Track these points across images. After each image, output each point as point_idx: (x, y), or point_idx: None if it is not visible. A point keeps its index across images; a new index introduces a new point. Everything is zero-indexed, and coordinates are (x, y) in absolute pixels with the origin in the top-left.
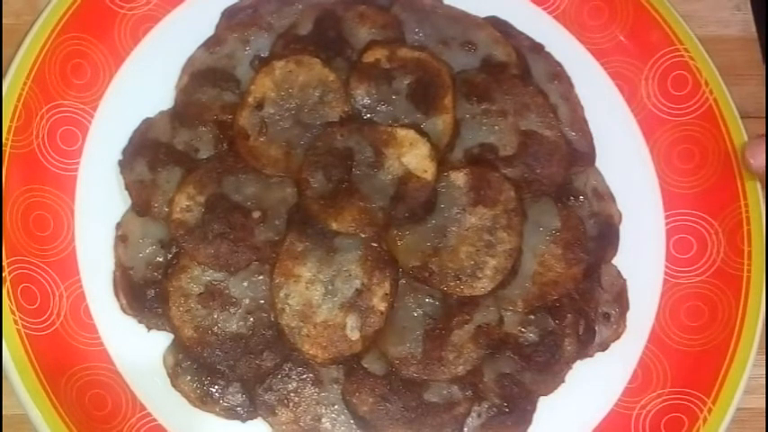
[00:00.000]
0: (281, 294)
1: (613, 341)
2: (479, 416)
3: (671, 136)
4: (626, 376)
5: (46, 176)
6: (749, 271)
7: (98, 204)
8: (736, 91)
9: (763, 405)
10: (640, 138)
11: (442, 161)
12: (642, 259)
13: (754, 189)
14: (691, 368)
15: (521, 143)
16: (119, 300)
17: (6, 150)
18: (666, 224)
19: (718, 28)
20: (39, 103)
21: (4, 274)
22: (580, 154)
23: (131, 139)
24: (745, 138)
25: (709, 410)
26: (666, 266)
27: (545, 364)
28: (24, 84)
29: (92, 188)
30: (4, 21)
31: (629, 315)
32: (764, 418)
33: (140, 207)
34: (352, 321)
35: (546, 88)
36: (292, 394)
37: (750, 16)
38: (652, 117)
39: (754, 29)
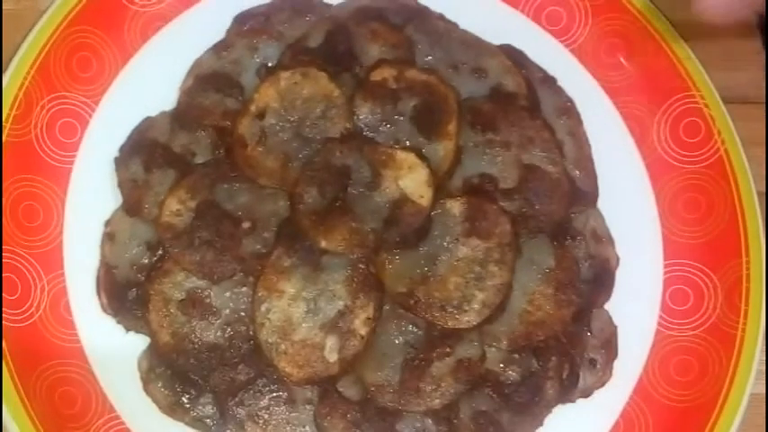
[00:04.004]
0: (263, 308)
1: (597, 388)
2: None
3: (678, 183)
4: (607, 426)
5: (40, 167)
6: (744, 330)
7: (90, 200)
8: (737, 77)
9: None
10: (647, 182)
11: (440, 188)
12: (636, 307)
13: (758, 246)
14: (675, 424)
15: (522, 177)
16: (100, 298)
17: (3, 138)
18: (665, 273)
19: None
20: (40, 94)
21: None
22: (582, 193)
23: (130, 137)
24: (754, 191)
25: None
26: (660, 317)
27: (524, 405)
28: (27, 73)
29: (85, 183)
30: (3, 6)
31: (616, 363)
32: None
33: (131, 206)
34: (331, 342)
35: (554, 123)
36: (263, 411)
37: None
38: (661, 162)
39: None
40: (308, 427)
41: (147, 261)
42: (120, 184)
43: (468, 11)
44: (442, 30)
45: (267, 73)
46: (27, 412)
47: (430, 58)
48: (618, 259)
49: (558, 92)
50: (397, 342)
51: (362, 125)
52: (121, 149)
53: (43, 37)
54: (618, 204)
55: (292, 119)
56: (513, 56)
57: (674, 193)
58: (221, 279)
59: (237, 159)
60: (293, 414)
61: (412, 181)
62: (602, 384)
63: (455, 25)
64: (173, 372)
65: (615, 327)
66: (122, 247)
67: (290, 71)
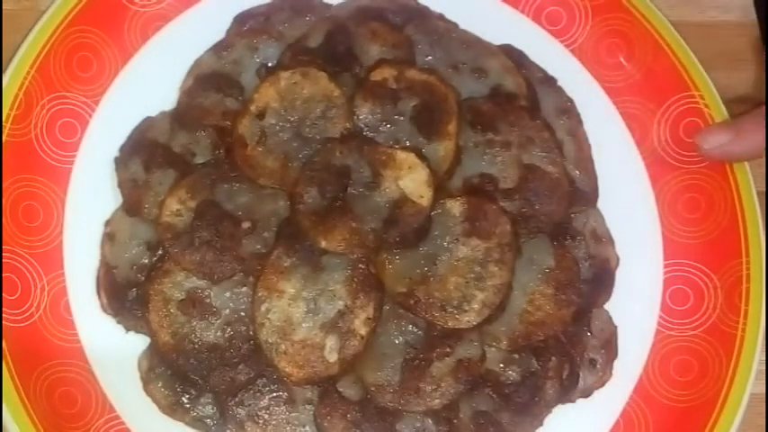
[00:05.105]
0: (263, 308)
1: (597, 388)
2: None
3: (678, 183)
4: (607, 426)
5: (40, 167)
6: (744, 330)
7: (90, 200)
8: (736, 76)
9: None
10: (647, 182)
11: (440, 188)
12: (636, 307)
13: (758, 246)
14: (675, 424)
15: (522, 177)
16: (100, 298)
17: (3, 138)
18: (665, 273)
19: (719, 13)
20: (41, 93)
21: None
22: (582, 193)
23: (130, 137)
24: (754, 191)
25: None
26: (660, 317)
27: (524, 405)
28: (27, 73)
29: (85, 183)
30: (3, 6)
31: (616, 363)
32: None
33: (131, 206)
34: (331, 342)
35: (554, 123)
36: (263, 411)
37: (750, 1)
38: (661, 162)
39: (754, 14)
40: (307, 427)
41: (147, 261)
42: (120, 184)
43: (468, 11)
44: (442, 30)
45: (267, 73)
46: (27, 412)
47: (430, 58)
48: (618, 259)
49: (558, 92)
50: (397, 342)
51: (362, 125)
52: (121, 149)
53: (43, 37)
54: (618, 204)
55: (292, 119)
56: (513, 56)
57: (674, 193)
58: (221, 279)
59: (237, 159)
60: (293, 414)
61: (412, 181)
62: (602, 384)
63: (455, 25)
64: (173, 372)
65: (615, 327)
66: (122, 247)
67: (290, 71)
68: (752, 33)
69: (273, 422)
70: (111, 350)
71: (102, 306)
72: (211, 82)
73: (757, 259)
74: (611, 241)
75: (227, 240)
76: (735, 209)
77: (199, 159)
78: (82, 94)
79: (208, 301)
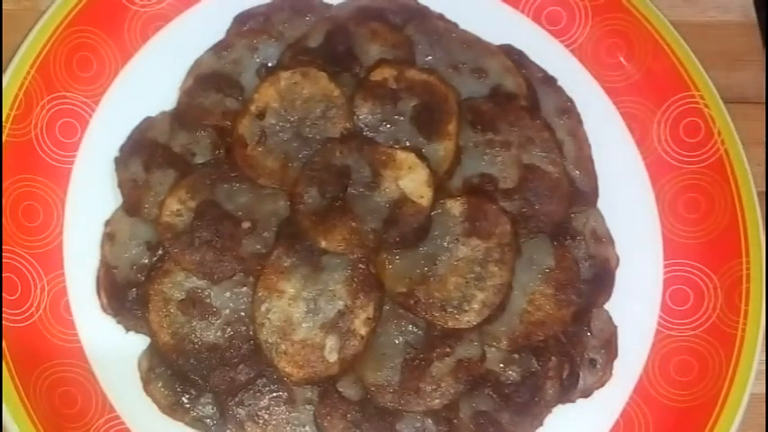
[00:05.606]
0: (263, 308)
1: (597, 388)
2: None
3: (678, 183)
4: (607, 426)
5: (40, 167)
6: (744, 330)
7: (90, 200)
8: (737, 76)
9: None
10: (647, 182)
11: (440, 188)
12: (636, 307)
13: (758, 246)
14: (675, 424)
15: (522, 177)
16: (100, 298)
17: (3, 138)
18: (665, 273)
19: (719, 13)
20: (41, 93)
21: None
22: (582, 193)
23: (130, 137)
24: (754, 191)
25: None
26: (660, 317)
27: (524, 405)
28: (27, 73)
29: (85, 183)
30: (3, 6)
31: (616, 363)
32: None
33: (131, 206)
34: (331, 342)
35: (554, 123)
36: (263, 411)
37: (750, 1)
38: (661, 162)
39: (754, 14)
40: (308, 427)
41: (147, 261)
42: (120, 184)
43: (468, 11)
44: (442, 30)
45: (267, 73)
46: (27, 412)
47: (430, 58)
48: (618, 259)
49: (558, 92)
50: (397, 342)
51: (362, 125)
52: (121, 149)
53: (43, 37)
54: (618, 204)
55: (292, 119)
56: (513, 56)
57: (674, 193)
58: (221, 279)
59: (237, 159)
60: (293, 414)
61: (412, 181)
62: (602, 384)
63: (455, 25)
64: (173, 372)
65: (615, 327)
66: (122, 247)
67: (290, 71)
68: (752, 33)
69: (273, 422)
70: (111, 350)
71: (102, 306)
72: (211, 82)
73: (757, 259)
74: (611, 241)
75: (226, 240)
76: (735, 209)
77: (199, 159)
78: (82, 94)
79: (208, 301)
